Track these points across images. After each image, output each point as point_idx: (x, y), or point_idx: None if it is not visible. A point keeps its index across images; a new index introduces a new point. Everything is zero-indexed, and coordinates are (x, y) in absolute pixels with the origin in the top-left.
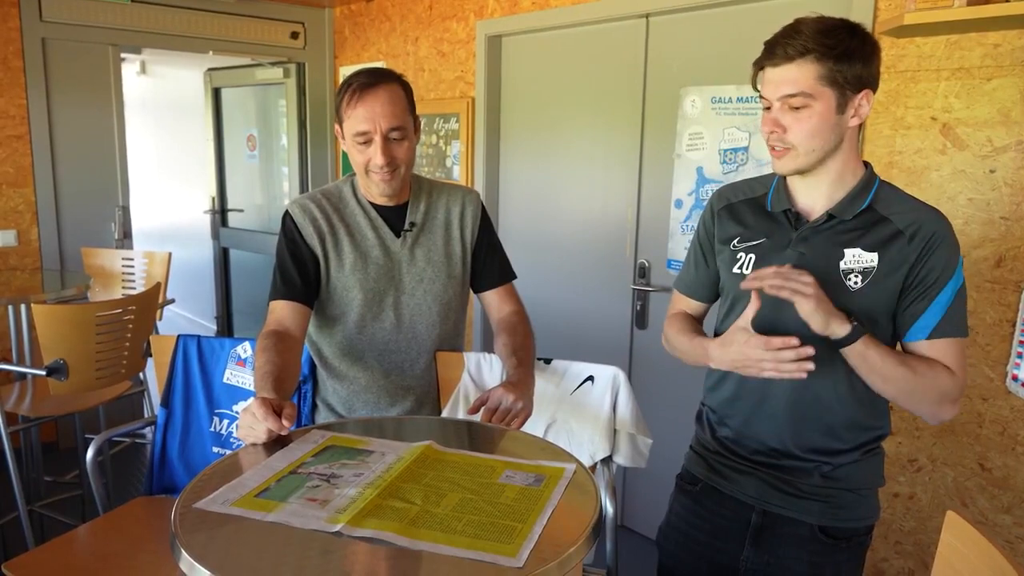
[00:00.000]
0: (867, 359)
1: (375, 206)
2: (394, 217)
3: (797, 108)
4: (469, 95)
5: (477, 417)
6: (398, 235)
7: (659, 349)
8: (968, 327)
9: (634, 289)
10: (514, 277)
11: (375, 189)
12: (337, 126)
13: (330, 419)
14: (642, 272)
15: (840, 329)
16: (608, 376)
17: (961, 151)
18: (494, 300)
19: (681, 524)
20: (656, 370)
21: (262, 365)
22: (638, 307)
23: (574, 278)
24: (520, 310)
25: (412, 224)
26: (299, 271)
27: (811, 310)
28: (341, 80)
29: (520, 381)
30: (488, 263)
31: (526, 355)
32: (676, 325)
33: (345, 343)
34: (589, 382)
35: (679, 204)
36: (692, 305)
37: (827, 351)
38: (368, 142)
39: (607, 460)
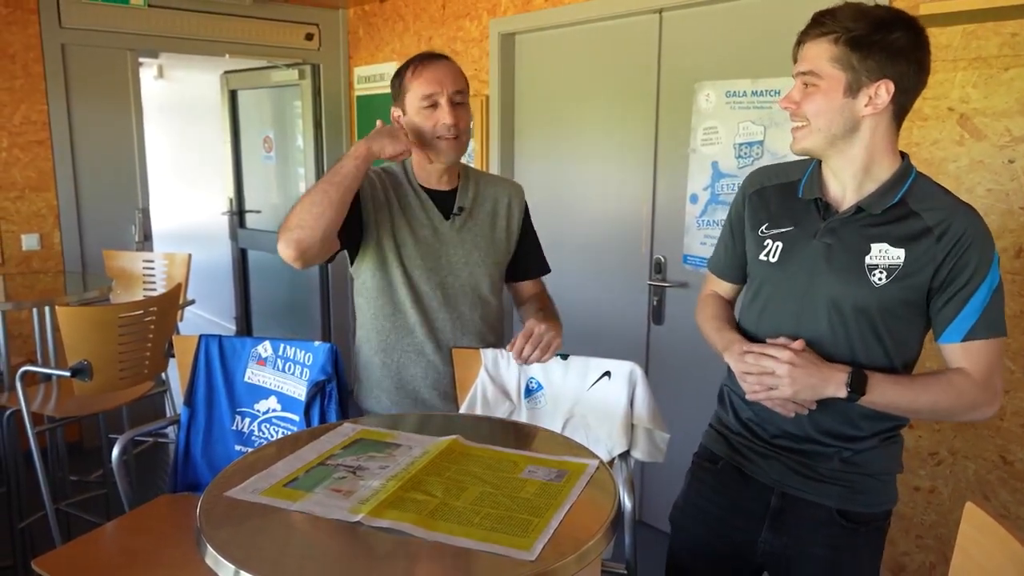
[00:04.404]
0: (876, 405)
1: (425, 189)
2: (442, 201)
3: (806, 86)
4: (483, 93)
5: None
6: (447, 218)
7: (676, 345)
8: (1005, 325)
9: (650, 285)
10: (548, 269)
11: (442, 156)
12: (396, 109)
13: (381, 398)
14: (658, 268)
15: (837, 391)
16: (625, 371)
17: (979, 142)
18: (526, 288)
19: (700, 501)
20: (673, 365)
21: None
22: (654, 303)
23: (590, 274)
24: (545, 291)
25: (461, 208)
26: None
27: (791, 396)
28: (356, 78)
29: (549, 320)
30: (530, 255)
31: (553, 311)
32: (707, 310)
33: (397, 315)
34: (606, 378)
35: (694, 199)
36: (723, 286)
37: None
38: (434, 105)
39: (625, 455)
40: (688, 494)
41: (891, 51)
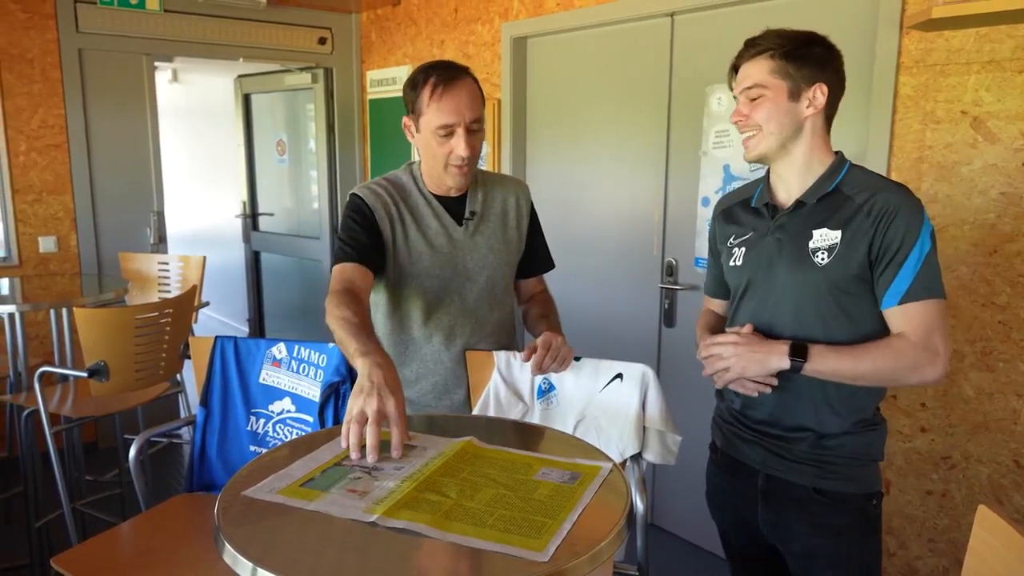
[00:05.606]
0: (821, 374)
1: (436, 196)
2: (453, 207)
3: (754, 99)
4: (495, 97)
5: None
6: (459, 223)
7: (687, 347)
8: (943, 289)
9: (662, 288)
10: (554, 265)
11: (450, 181)
12: (408, 120)
13: None
14: (669, 270)
15: (781, 362)
16: (637, 374)
17: (992, 144)
18: (529, 285)
19: (713, 488)
20: (685, 368)
21: (349, 316)
22: (666, 305)
23: (602, 277)
24: (547, 289)
25: (473, 213)
26: (369, 238)
27: (740, 372)
28: (368, 81)
29: (559, 332)
30: (536, 252)
31: (557, 320)
32: (700, 322)
33: (415, 327)
34: (618, 380)
35: (706, 202)
36: (715, 303)
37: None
38: (451, 135)
39: (637, 457)
40: (707, 484)
41: (817, 61)
